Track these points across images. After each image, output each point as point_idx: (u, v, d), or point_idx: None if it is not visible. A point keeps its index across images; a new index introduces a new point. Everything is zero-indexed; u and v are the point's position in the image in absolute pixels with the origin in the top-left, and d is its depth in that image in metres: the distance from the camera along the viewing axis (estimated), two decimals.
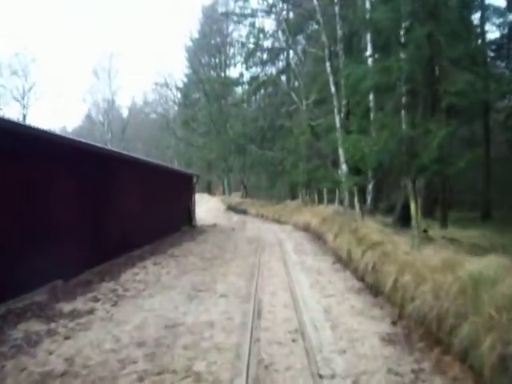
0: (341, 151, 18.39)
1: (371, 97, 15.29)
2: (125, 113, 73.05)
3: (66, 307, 7.03)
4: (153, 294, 8.03)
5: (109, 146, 46.78)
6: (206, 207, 33.21)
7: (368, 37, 16.01)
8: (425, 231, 10.08)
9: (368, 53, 15.69)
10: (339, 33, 19.76)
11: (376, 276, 7.43)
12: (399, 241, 8.17)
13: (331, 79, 19.78)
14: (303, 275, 9.84)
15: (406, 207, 12.36)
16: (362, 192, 13.87)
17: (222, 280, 9.35)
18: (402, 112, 12.75)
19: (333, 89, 19.69)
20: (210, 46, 50.46)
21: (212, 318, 6.49)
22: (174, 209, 19.77)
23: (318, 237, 16.10)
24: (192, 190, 24.25)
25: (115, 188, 12.40)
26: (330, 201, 20.74)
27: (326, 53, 20.17)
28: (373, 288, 7.69)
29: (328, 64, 20.06)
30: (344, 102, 19.49)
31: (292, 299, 7.65)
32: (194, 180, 24.72)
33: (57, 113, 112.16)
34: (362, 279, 8.52)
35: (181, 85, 56.81)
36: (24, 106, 52.80)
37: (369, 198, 15.93)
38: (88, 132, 68.14)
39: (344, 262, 10.40)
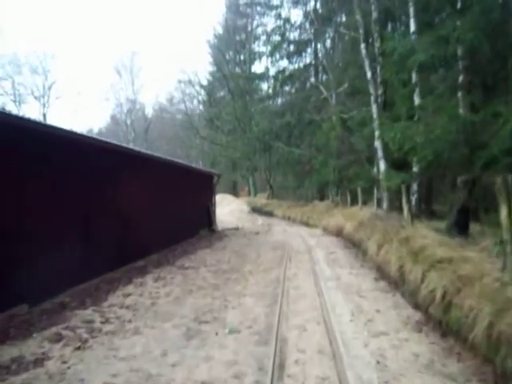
0: (378, 145, 16.18)
1: (414, 77, 12.90)
2: (148, 112, 71.63)
3: (9, 352, 4.99)
4: (139, 329, 5.96)
5: (131, 146, 45.40)
6: (229, 209, 31.02)
7: (411, 11, 13.70)
8: (501, 243, 7.69)
9: (411, 30, 13.37)
10: (374, 14, 17.54)
11: (448, 310, 5.22)
12: (476, 258, 5.91)
13: (367, 64, 17.52)
14: (340, 297, 7.68)
15: (464, 211, 10.11)
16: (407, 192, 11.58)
17: (236, 304, 7.27)
18: (459, 93, 10.43)
19: (369, 74, 17.43)
20: (234, 41, 48.66)
21: (212, 376, 4.44)
22: (191, 211, 17.73)
23: (352, 244, 13.89)
24: (212, 191, 22.17)
25: (117, 188, 10.44)
26: (363, 202, 18.48)
27: (361, 33, 17.90)
28: (441, 324, 5.48)
29: (363, 46, 17.79)
30: (381, 90, 17.29)
31: (328, 339, 5.51)
32: (215, 180, 22.64)
33: (81, 113, 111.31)
34: (420, 308, 6.32)
35: (205, 82, 54.93)
36: (44, 105, 51.52)
37: (413, 200, 13.64)
38: (112, 132, 66.98)
39: (392, 280, 8.16)
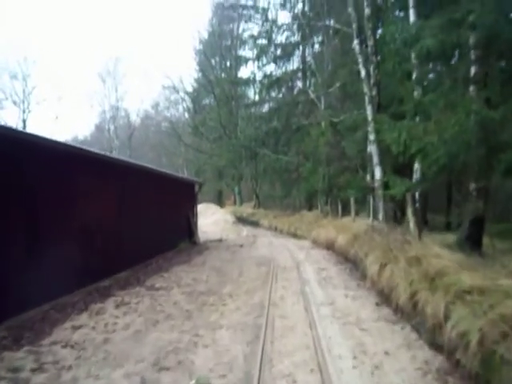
0: (374, 149, 14.89)
1: (416, 71, 11.64)
2: (133, 119, 69.93)
3: None
4: (78, 381, 4.51)
5: (114, 153, 43.84)
6: (213, 219, 29.52)
7: (410, 1, 12.46)
8: None
9: (411, 21, 12.12)
10: (366, 11, 16.34)
11: (490, 363, 3.84)
12: None
13: (361, 61, 16.30)
14: (336, 330, 6.27)
15: (478, 223, 8.83)
16: (413, 201, 10.22)
17: (209, 340, 5.83)
18: (471, 88, 9.14)
19: (363, 72, 16.17)
20: (220, 46, 47.41)
21: None
22: (170, 222, 16.26)
23: (345, 259, 12.55)
24: (194, 200, 20.71)
25: (77, 197, 9.02)
26: (355, 212, 17.18)
27: (354, 28, 16.69)
28: (477, 378, 4.10)
29: (356, 42, 16.59)
30: (375, 91, 16.02)
31: None
32: (197, 188, 21.18)
33: (64, 119, 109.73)
34: (441, 350, 4.93)
35: (190, 89, 53.51)
36: (24, 111, 49.60)
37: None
38: (97, 140, 65.36)
39: (398, 307, 6.78)
